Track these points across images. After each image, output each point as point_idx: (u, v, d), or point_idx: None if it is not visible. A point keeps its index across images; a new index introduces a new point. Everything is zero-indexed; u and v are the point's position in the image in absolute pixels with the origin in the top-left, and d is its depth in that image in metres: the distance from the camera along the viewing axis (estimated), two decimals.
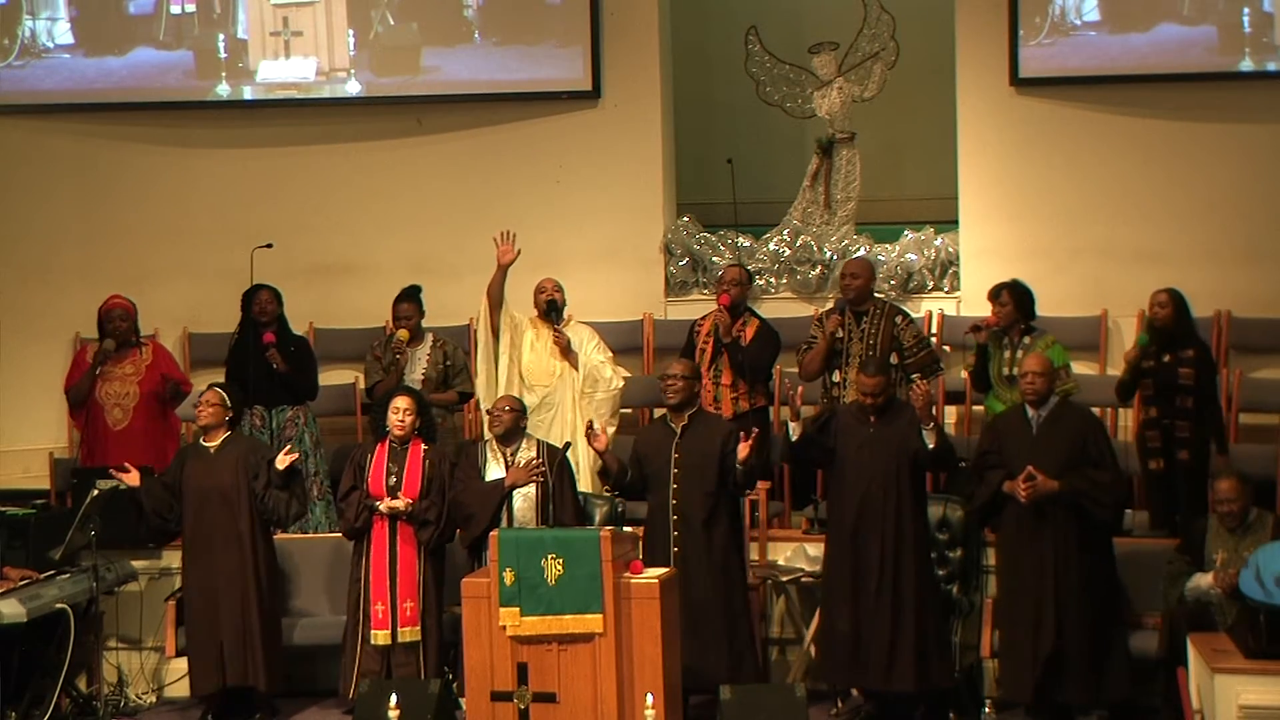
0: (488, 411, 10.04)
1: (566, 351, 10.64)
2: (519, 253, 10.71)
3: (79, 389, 10.98)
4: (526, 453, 9.76)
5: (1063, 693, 9.06)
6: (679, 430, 9.50)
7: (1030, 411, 9.28)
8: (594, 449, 9.60)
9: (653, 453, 9.53)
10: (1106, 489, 9.12)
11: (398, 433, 9.78)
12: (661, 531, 9.38)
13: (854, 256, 11.74)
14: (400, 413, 9.79)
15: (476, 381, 10.85)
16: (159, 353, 11.20)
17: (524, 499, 9.66)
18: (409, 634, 9.64)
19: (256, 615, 9.68)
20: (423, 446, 9.83)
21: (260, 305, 11.00)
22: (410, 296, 11.09)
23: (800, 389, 9.68)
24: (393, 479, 9.72)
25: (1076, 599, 9.04)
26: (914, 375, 10.21)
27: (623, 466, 9.57)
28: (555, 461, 9.73)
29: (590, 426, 9.68)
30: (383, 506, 9.67)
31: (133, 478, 9.78)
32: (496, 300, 10.66)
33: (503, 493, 9.64)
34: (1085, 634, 9.04)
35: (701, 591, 9.28)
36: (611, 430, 10.56)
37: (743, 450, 9.26)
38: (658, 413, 11.05)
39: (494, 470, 9.75)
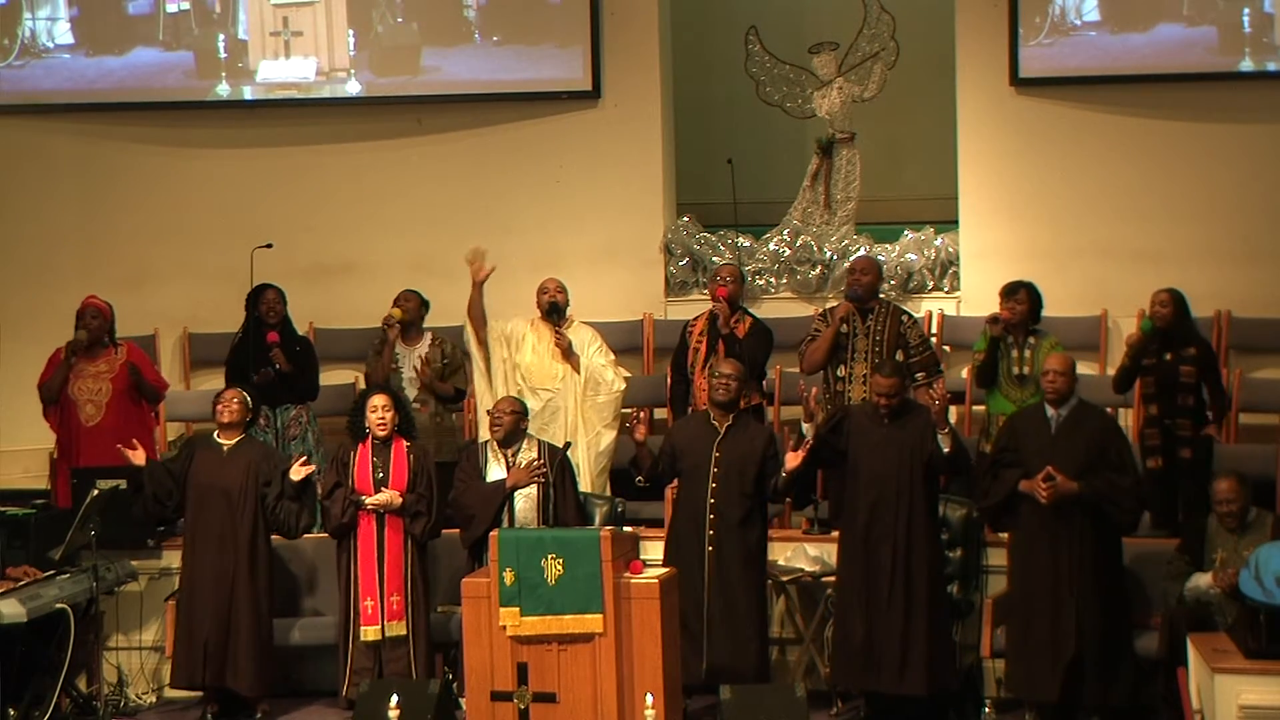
0: (488, 413, 10.03)
1: (568, 354, 10.59)
2: (493, 269, 10.64)
3: (50, 384, 10.88)
4: (527, 453, 9.75)
5: (1080, 694, 9.01)
6: (722, 430, 9.48)
7: (1050, 411, 9.21)
8: (634, 440, 9.52)
9: (691, 447, 9.50)
10: (1127, 493, 9.07)
11: (380, 432, 9.76)
12: (695, 528, 9.37)
13: (861, 254, 11.71)
14: (379, 410, 9.78)
15: (474, 388, 10.82)
16: (134, 353, 11.11)
17: (525, 499, 9.66)
18: (395, 628, 9.63)
19: (244, 618, 9.66)
20: (405, 442, 9.83)
21: (268, 305, 11.02)
22: (412, 291, 11.10)
23: (815, 390, 9.66)
24: (379, 473, 9.72)
25: (1093, 601, 9.01)
26: (918, 374, 10.20)
27: (655, 459, 9.56)
28: (556, 461, 9.73)
29: (635, 417, 9.60)
30: (369, 502, 9.66)
31: (139, 456, 9.82)
32: (479, 319, 10.59)
33: (504, 494, 9.63)
34: (1101, 636, 9.01)
35: (734, 591, 9.28)
36: (612, 434, 10.55)
37: (793, 460, 9.22)
38: (659, 414, 11.04)
39: (495, 471, 9.74)
